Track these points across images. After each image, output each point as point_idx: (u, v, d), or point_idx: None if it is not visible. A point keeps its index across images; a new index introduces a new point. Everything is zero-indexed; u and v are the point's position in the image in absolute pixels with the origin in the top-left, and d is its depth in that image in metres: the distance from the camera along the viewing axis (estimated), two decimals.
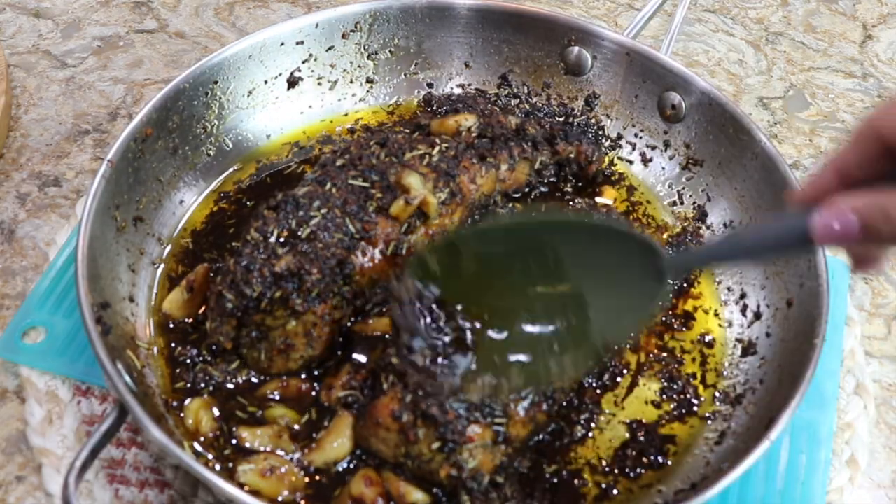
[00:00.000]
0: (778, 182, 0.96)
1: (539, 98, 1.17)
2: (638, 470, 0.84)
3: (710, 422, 0.88)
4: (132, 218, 0.95)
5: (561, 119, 1.15)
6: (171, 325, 0.90)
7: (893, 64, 1.37)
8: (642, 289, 0.68)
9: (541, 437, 0.84)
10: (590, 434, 0.86)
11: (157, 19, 1.36)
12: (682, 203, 1.07)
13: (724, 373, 0.92)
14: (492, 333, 0.73)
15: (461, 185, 0.94)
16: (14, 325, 0.93)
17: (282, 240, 0.86)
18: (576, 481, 0.83)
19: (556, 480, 0.82)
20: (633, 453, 0.85)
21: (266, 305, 0.84)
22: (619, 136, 1.13)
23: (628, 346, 0.93)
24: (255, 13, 1.39)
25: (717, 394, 0.90)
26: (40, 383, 0.90)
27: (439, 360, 0.74)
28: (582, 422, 0.86)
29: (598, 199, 1.06)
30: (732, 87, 1.31)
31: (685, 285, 0.99)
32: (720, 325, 0.96)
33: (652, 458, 0.85)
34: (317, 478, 0.80)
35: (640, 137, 1.12)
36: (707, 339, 0.95)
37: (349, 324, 0.88)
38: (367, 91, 1.17)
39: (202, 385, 0.86)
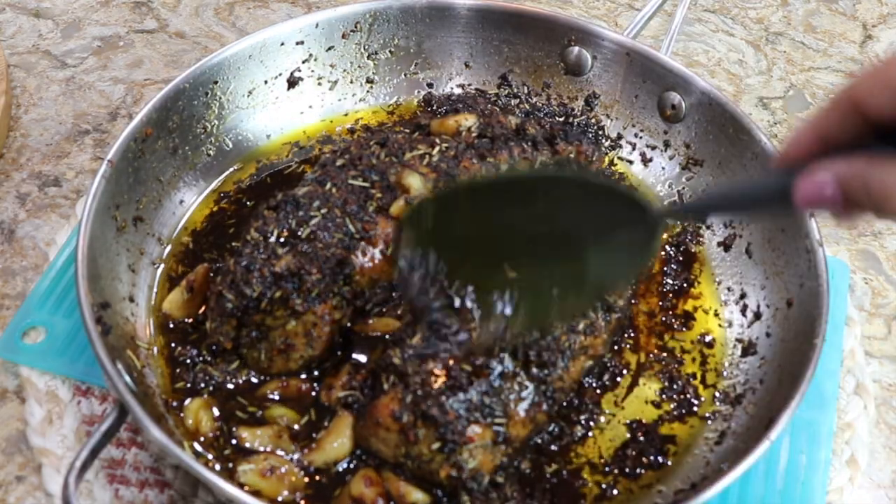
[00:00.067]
0: None
1: (539, 98, 1.17)
2: (638, 470, 0.84)
3: (710, 422, 0.88)
4: (132, 218, 0.95)
5: (561, 119, 1.15)
6: (171, 325, 0.90)
7: None
8: (633, 239, 0.69)
9: (541, 437, 0.84)
10: (590, 434, 0.86)
11: (157, 19, 1.36)
12: (682, 203, 1.07)
13: (724, 373, 0.92)
14: (491, 279, 0.75)
15: None
16: (14, 325, 0.93)
17: (282, 240, 0.86)
18: (576, 481, 0.83)
19: (556, 480, 0.82)
20: (633, 453, 0.85)
21: (266, 305, 0.84)
22: (619, 136, 1.13)
23: (627, 347, 0.93)
24: (255, 13, 1.39)
25: (717, 394, 0.90)
26: (40, 383, 0.90)
27: (448, 317, 0.77)
28: (582, 422, 0.86)
29: None
30: (732, 87, 1.31)
31: (685, 285, 0.99)
32: (720, 325, 0.96)
33: (652, 458, 0.85)
34: (317, 478, 0.80)
35: (640, 137, 1.12)
36: (707, 339, 0.95)
37: (349, 324, 0.88)
38: (367, 91, 1.17)
39: (202, 385, 0.86)
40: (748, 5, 1.47)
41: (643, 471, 0.84)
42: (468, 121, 1.04)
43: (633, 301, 0.96)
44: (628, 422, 0.87)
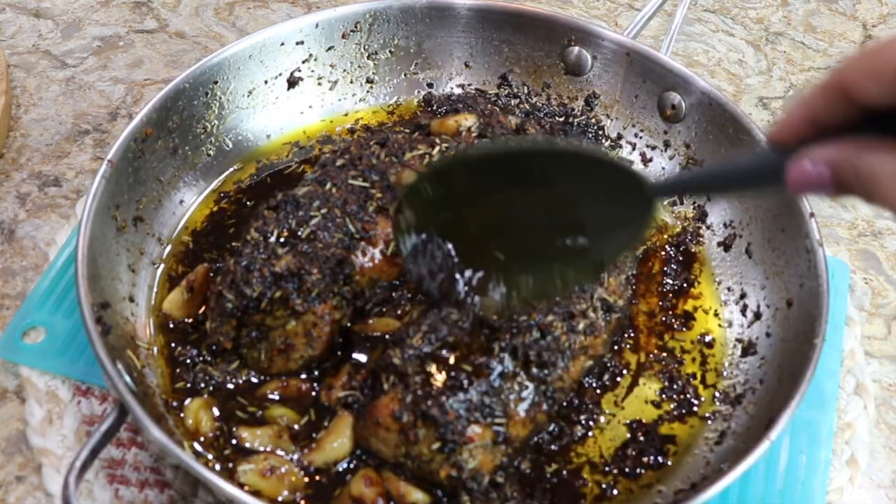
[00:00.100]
0: None
1: (539, 98, 1.17)
2: (638, 470, 0.84)
3: (710, 422, 0.88)
4: (132, 218, 0.95)
5: (561, 119, 1.15)
6: (171, 325, 0.90)
7: None
8: (629, 211, 0.69)
9: (541, 437, 0.84)
10: (590, 434, 0.86)
11: (157, 19, 1.36)
12: (681, 203, 1.07)
13: (724, 373, 0.92)
14: (491, 252, 0.77)
15: None
16: (14, 325, 0.93)
17: (282, 240, 0.86)
18: (576, 481, 0.83)
19: (556, 480, 0.82)
20: (633, 453, 0.85)
21: (266, 305, 0.84)
22: (619, 136, 1.13)
23: (627, 347, 0.93)
24: (255, 13, 1.39)
25: (717, 394, 0.90)
26: (40, 383, 0.90)
27: (455, 286, 0.79)
28: (582, 422, 0.86)
29: None
30: (732, 87, 1.32)
31: (685, 285, 1.00)
32: (720, 325, 0.96)
33: (652, 458, 0.85)
34: (317, 478, 0.80)
35: (640, 137, 1.12)
36: (707, 339, 0.95)
37: (349, 324, 0.88)
38: (367, 91, 1.17)
39: (202, 385, 0.86)
40: (748, 5, 1.47)
41: (643, 471, 0.84)
42: (468, 121, 1.04)
43: (633, 301, 0.96)
44: (628, 422, 0.87)
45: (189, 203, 1.03)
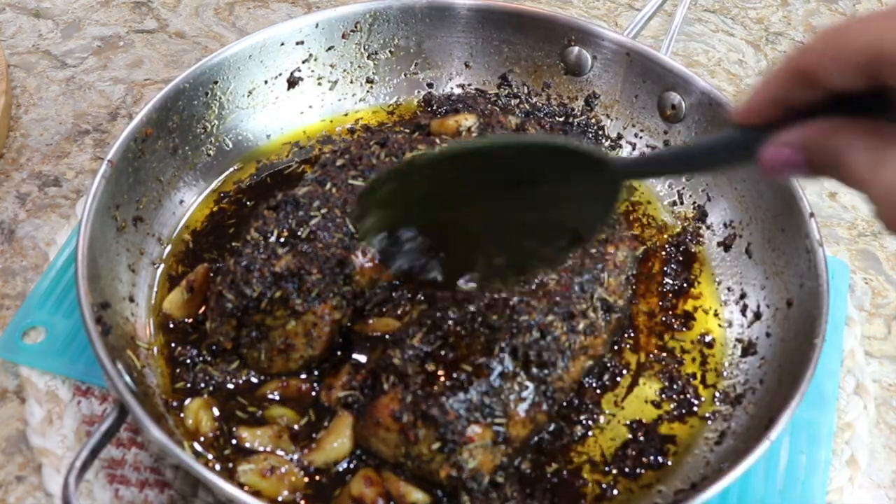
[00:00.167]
0: (778, 182, 0.96)
1: (539, 98, 1.17)
2: (638, 470, 0.84)
3: (710, 422, 0.88)
4: (132, 218, 0.95)
5: (561, 119, 1.15)
6: (171, 325, 0.90)
7: None
8: (597, 192, 0.70)
9: (541, 436, 0.84)
10: (590, 434, 0.86)
11: (157, 19, 1.36)
12: (682, 203, 1.07)
13: (724, 373, 0.92)
14: (466, 238, 0.78)
15: None
16: (14, 325, 0.93)
17: (282, 240, 0.86)
18: (576, 481, 0.83)
19: (556, 480, 0.82)
20: (633, 453, 0.85)
21: (266, 305, 0.84)
22: (619, 136, 1.13)
23: (627, 347, 0.93)
24: (255, 13, 1.39)
25: (717, 394, 0.90)
26: (40, 383, 0.90)
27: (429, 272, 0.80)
28: (582, 422, 0.86)
29: None
30: (732, 87, 1.31)
31: (685, 285, 1.00)
32: (720, 325, 0.96)
33: (652, 458, 0.85)
34: (317, 478, 0.80)
35: (640, 137, 1.12)
36: (707, 339, 0.95)
37: (349, 324, 0.88)
38: (367, 91, 1.17)
39: (202, 385, 0.86)
40: (748, 5, 1.47)
41: (643, 471, 0.84)
42: (468, 121, 1.04)
43: (633, 301, 0.96)
44: (628, 422, 0.87)
45: (189, 203, 1.03)
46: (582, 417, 0.87)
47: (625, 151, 1.12)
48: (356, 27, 1.14)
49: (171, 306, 0.91)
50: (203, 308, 0.91)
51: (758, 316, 0.95)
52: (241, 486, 0.77)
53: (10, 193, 1.09)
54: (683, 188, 1.08)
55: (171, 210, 1.01)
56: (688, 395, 0.90)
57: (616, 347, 0.92)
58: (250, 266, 0.84)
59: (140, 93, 1.24)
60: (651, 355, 0.93)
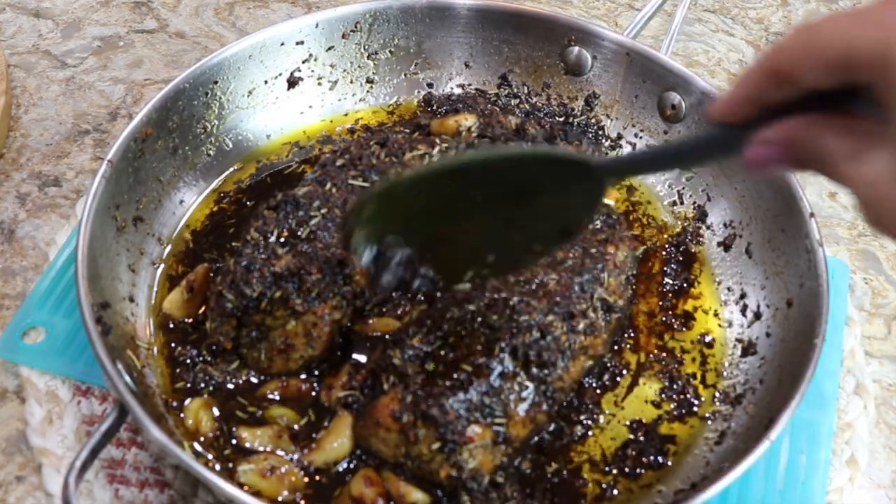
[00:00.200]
0: (777, 182, 0.96)
1: (539, 98, 1.17)
2: (638, 470, 0.84)
3: (710, 422, 0.88)
4: (132, 218, 0.95)
5: (561, 119, 1.15)
6: (171, 325, 0.90)
7: None
8: (582, 192, 0.71)
9: (541, 437, 0.84)
10: (590, 434, 0.86)
11: (157, 19, 1.36)
12: (682, 203, 1.07)
13: (724, 373, 0.92)
14: (454, 249, 0.78)
15: None
16: (14, 325, 0.93)
17: (282, 240, 0.86)
18: (576, 481, 0.83)
19: (556, 480, 0.82)
20: (633, 453, 0.85)
21: (266, 305, 0.84)
22: (619, 136, 1.13)
23: (627, 347, 0.93)
24: (255, 13, 1.39)
25: (717, 394, 0.90)
26: (40, 383, 0.90)
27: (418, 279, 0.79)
28: (582, 422, 0.86)
29: None
30: None
31: (685, 285, 1.00)
32: (720, 325, 0.96)
33: (652, 458, 0.85)
34: (317, 478, 0.80)
35: (640, 137, 1.12)
36: (707, 339, 0.95)
37: (349, 324, 0.88)
38: (367, 91, 1.17)
39: (202, 385, 0.86)
40: (748, 5, 1.47)
41: (643, 471, 0.84)
42: (468, 121, 1.04)
43: (633, 301, 0.96)
44: (628, 422, 0.87)
45: (189, 203, 1.03)
46: (582, 417, 0.87)
47: (625, 151, 1.12)
48: (356, 27, 1.14)
49: (171, 306, 0.91)
50: (203, 308, 0.91)
51: (758, 316, 0.95)
52: (241, 486, 0.77)
53: (10, 193, 1.09)
54: (683, 188, 1.08)
55: (171, 210, 1.01)
56: (688, 395, 0.90)
57: (616, 347, 0.92)
58: (250, 266, 0.84)
59: (140, 93, 1.24)
60: (651, 355, 0.93)
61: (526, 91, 1.17)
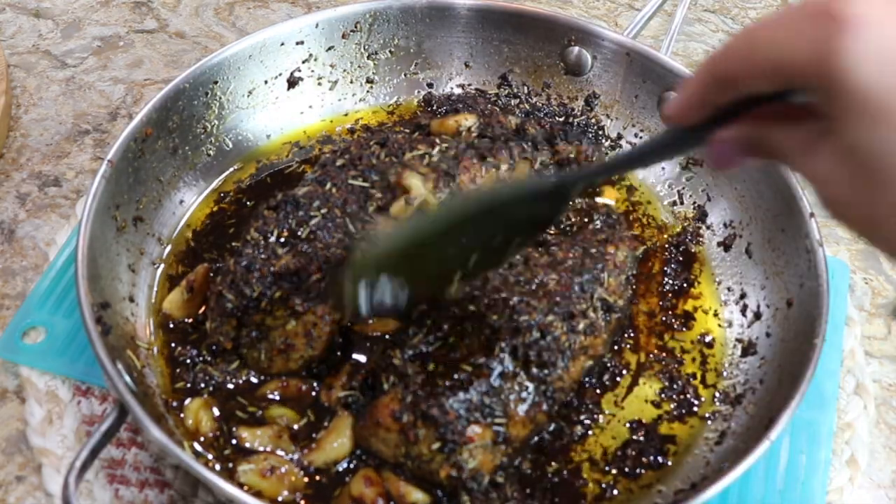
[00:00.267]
0: (778, 181, 0.96)
1: (539, 98, 1.17)
2: (638, 470, 0.84)
3: (710, 422, 0.88)
4: (132, 218, 0.95)
5: (561, 119, 1.15)
6: (171, 325, 0.90)
7: None
8: (553, 203, 0.75)
9: (541, 436, 0.84)
10: (590, 434, 0.86)
11: (157, 19, 1.36)
12: (682, 203, 1.07)
13: (724, 373, 0.92)
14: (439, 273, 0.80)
15: (461, 185, 0.94)
16: (14, 325, 0.93)
17: (282, 240, 0.86)
18: (576, 481, 0.83)
19: (556, 480, 0.82)
20: (633, 453, 0.85)
21: (266, 305, 0.84)
22: (619, 136, 1.13)
23: (627, 347, 0.93)
24: (255, 13, 1.39)
25: (717, 394, 0.90)
26: (40, 383, 0.90)
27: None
28: (582, 422, 0.86)
29: (598, 199, 1.06)
30: None
31: (685, 285, 1.00)
32: (720, 325, 0.96)
33: (652, 458, 0.85)
34: (317, 478, 0.80)
35: (640, 137, 1.12)
36: (707, 339, 0.95)
37: (349, 324, 0.88)
38: (367, 91, 1.17)
39: (202, 385, 0.86)
40: (748, 5, 1.47)
41: (643, 471, 0.84)
42: (468, 121, 1.04)
43: (633, 301, 0.96)
44: (628, 422, 0.87)
45: (189, 203, 1.03)
46: (582, 417, 0.87)
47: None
48: (356, 27, 1.14)
49: (171, 306, 0.91)
50: (203, 308, 0.91)
51: (758, 316, 0.95)
52: (241, 486, 0.77)
53: (10, 193, 1.09)
54: (683, 188, 1.08)
55: (171, 210, 1.01)
56: (688, 395, 0.90)
57: (616, 347, 0.92)
58: (250, 266, 0.84)
59: (140, 93, 1.24)
60: (651, 355, 0.93)
61: (526, 91, 1.17)
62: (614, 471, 0.84)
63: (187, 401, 0.84)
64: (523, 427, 0.81)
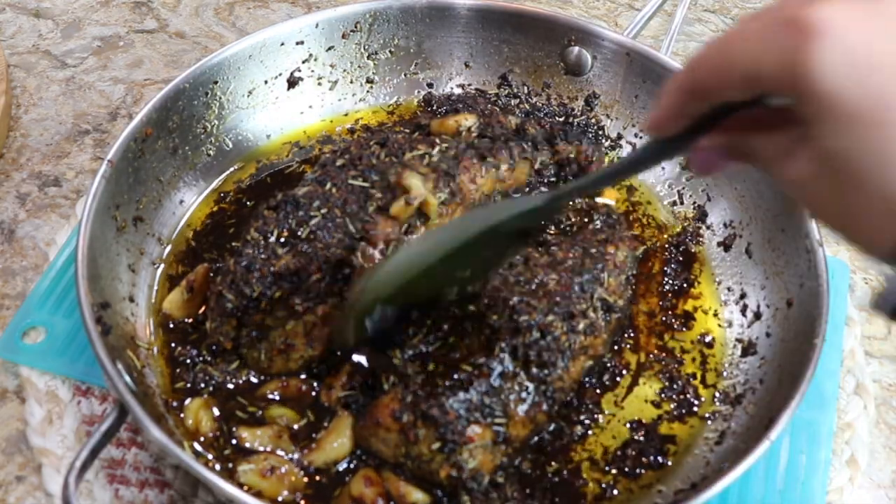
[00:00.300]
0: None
1: (539, 98, 1.17)
2: (638, 470, 0.84)
3: (710, 422, 0.88)
4: (132, 218, 0.95)
5: (561, 119, 1.15)
6: (171, 325, 0.90)
7: None
8: (537, 224, 0.81)
9: (541, 437, 0.84)
10: (590, 434, 0.86)
11: (157, 19, 1.36)
12: (682, 203, 1.07)
13: (724, 373, 0.92)
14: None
15: (461, 185, 0.94)
16: (14, 325, 0.93)
17: (282, 240, 0.86)
18: (576, 481, 0.83)
19: (556, 480, 0.82)
20: (633, 453, 0.85)
21: (266, 305, 0.84)
22: (619, 136, 1.13)
23: (627, 347, 0.93)
24: (255, 13, 1.39)
25: (717, 394, 0.90)
26: (40, 383, 0.90)
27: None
28: (582, 422, 0.86)
29: (598, 200, 1.06)
30: None
31: (685, 285, 0.99)
32: (720, 325, 0.96)
33: (652, 458, 0.85)
34: (317, 478, 0.80)
35: (640, 137, 1.12)
36: (707, 339, 0.95)
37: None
38: (367, 91, 1.17)
39: (202, 385, 0.86)
40: (748, 5, 1.47)
41: (643, 471, 0.84)
42: (468, 121, 1.04)
43: (633, 301, 0.96)
44: (628, 422, 0.87)
45: (189, 203, 1.03)
46: (582, 417, 0.87)
47: (625, 151, 1.12)
48: (356, 27, 1.14)
49: (171, 306, 0.91)
50: (203, 308, 0.91)
51: (758, 316, 0.95)
52: (241, 486, 0.77)
53: (10, 193, 1.09)
54: (683, 188, 1.08)
55: (171, 210, 1.01)
56: (688, 395, 0.90)
57: (616, 347, 0.92)
58: (250, 266, 0.84)
59: (140, 93, 1.24)
60: (651, 355, 0.93)
61: (526, 91, 1.17)
62: (614, 471, 0.84)
63: (187, 401, 0.84)
64: (523, 427, 0.81)
